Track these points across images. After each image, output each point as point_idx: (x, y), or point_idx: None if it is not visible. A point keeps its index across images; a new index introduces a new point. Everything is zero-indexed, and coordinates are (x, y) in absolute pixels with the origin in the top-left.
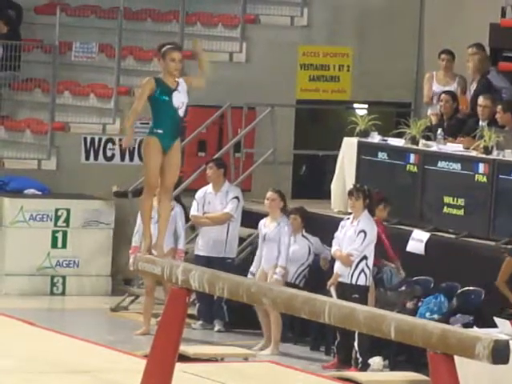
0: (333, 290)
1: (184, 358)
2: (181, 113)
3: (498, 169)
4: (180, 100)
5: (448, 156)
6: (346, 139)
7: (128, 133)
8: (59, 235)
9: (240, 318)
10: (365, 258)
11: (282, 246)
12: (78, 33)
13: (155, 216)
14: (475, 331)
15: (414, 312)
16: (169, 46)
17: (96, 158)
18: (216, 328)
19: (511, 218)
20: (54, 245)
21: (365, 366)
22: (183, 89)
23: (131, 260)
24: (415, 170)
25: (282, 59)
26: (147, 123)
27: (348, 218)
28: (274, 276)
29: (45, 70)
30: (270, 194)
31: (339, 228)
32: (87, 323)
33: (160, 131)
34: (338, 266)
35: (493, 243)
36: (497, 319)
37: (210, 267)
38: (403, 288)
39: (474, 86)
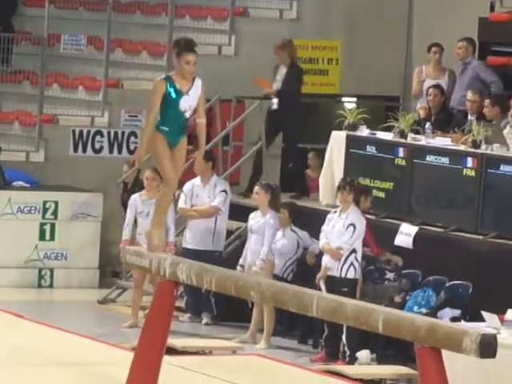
0: (322, 284)
1: (172, 351)
2: (187, 115)
3: (487, 163)
4: (187, 104)
5: (436, 150)
6: (334, 133)
7: (142, 146)
8: (47, 227)
9: (228, 311)
10: (354, 251)
11: (265, 239)
12: (67, 25)
13: (144, 210)
14: (463, 325)
15: (401, 306)
16: (185, 47)
17: (84, 150)
18: (204, 321)
19: (499, 212)
20: (42, 237)
21: (352, 360)
22: (195, 92)
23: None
24: (404, 163)
25: (270, 52)
26: (135, 116)
27: (335, 212)
28: (252, 268)
29: (33, 62)
30: (256, 188)
31: (326, 221)
32: (75, 316)
33: (166, 128)
34: (326, 260)
35: (481, 237)
36: (484, 313)
37: (198, 260)
38: (391, 281)
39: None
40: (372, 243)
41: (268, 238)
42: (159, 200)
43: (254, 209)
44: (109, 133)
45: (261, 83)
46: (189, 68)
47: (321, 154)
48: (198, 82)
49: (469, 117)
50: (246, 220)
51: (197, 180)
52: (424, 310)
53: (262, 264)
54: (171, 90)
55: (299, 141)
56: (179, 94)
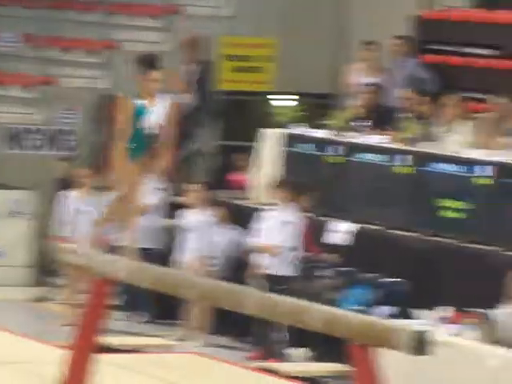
0: (257, 282)
1: (107, 349)
2: (150, 131)
3: (421, 161)
4: (152, 121)
5: (372, 148)
6: (267, 130)
7: (118, 164)
8: None
9: (164, 309)
10: (291, 249)
11: (206, 237)
12: (2, 22)
13: (79, 207)
14: (398, 322)
15: (337, 303)
16: (150, 65)
17: (19, 147)
18: (140, 319)
19: (434, 209)
20: None
21: (288, 357)
22: (161, 108)
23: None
24: (339, 161)
25: (205, 50)
26: (71, 113)
27: (272, 209)
28: (208, 268)
29: None
30: (191, 186)
31: (263, 219)
32: (11, 314)
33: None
34: (263, 258)
35: (416, 235)
36: (419, 311)
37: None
38: (328, 279)
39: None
40: (310, 242)
41: (208, 235)
42: (112, 211)
43: (190, 207)
44: (44, 130)
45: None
46: (154, 85)
47: (249, 154)
48: (166, 99)
49: (404, 114)
50: (181, 218)
51: None
52: (360, 308)
53: (215, 261)
54: (138, 107)
55: (225, 138)
56: (144, 111)
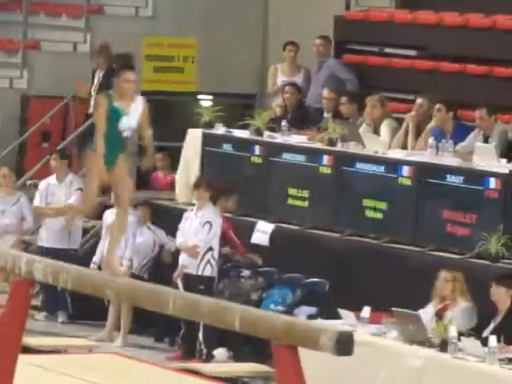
0: (179, 282)
1: (27, 350)
2: (125, 134)
3: (342, 161)
4: (126, 125)
5: (292, 148)
6: (190, 131)
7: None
8: None
9: (84, 309)
10: (210, 249)
11: (127, 238)
12: None
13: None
14: (319, 323)
15: (258, 303)
16: (123, 65)
17: None
18: (60, 319)
19: (354, 209)
20: None
21: (209, 358)
22: (136, 110)
23: None
24: (260, 161)
25: (126, 50)
26: None
27: (192, 210)
28: (128, 268)
29: None
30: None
31: (183, 219)
32: None
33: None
34: (183, 258)
35: (337, 235)
36: (341, 311)
37: (54, 258)
38: (248, 279)
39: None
40: (234, 242)
41: (130, 236)
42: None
43: (110, 206)
44: None
45: (79, 87)
46: (128, 86)
47: (171, 154)
48: (139, 100)
49: (324, 114)
50: (101, 218)
51: (52, 178)
52: (281, 308)
53: (129, 263)
54: (112, 109)
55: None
56: (119, 114)
